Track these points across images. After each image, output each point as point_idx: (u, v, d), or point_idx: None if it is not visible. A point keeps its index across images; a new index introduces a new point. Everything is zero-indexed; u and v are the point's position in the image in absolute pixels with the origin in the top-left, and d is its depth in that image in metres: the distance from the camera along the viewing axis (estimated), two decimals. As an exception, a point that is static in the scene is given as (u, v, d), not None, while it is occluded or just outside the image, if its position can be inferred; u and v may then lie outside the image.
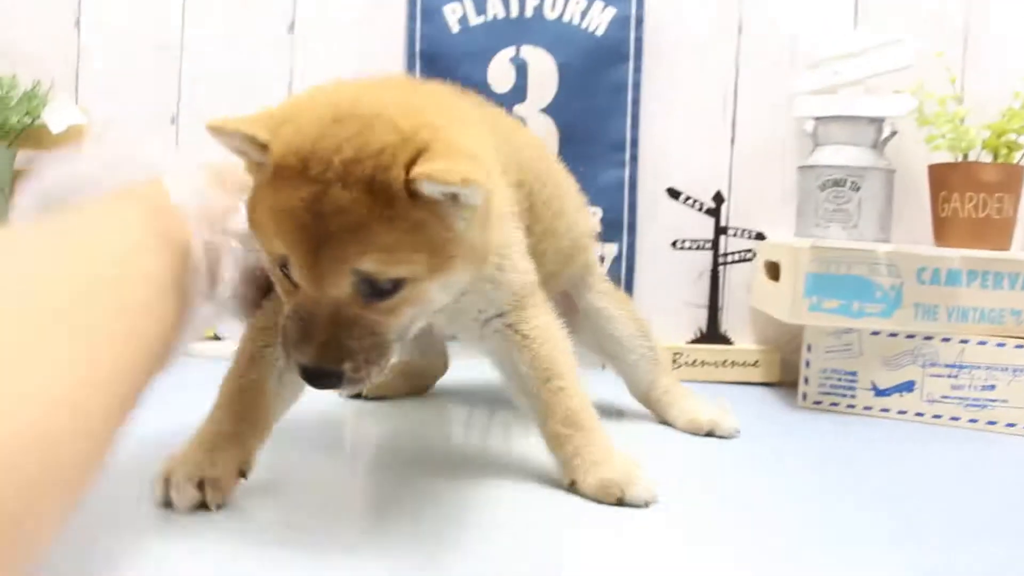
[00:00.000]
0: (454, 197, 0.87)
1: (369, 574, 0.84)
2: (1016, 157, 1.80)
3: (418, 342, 1.53)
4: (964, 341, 1.68)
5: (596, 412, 1.15)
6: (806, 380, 1.77)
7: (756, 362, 1.99)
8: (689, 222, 2.03)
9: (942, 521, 1.12)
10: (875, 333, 1.72)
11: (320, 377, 0.90)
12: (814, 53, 1.94)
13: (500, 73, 2.04)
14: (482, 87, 2.03)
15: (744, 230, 2.01)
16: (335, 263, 0.86)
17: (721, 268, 2.04)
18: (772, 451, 1.45)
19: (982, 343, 1.67)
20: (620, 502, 1.08)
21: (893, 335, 1.71)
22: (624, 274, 2.03)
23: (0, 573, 0.51)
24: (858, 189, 1.83)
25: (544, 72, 2.03)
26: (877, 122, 1.86)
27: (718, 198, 2.03)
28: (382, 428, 1.49)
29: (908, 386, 1.72)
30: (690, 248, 2.03)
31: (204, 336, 0.97)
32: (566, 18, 2.03)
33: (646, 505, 1.08)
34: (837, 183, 1.83)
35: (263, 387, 1.06)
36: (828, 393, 1.76)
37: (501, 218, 1.09)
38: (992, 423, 1.66)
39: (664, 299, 2.00)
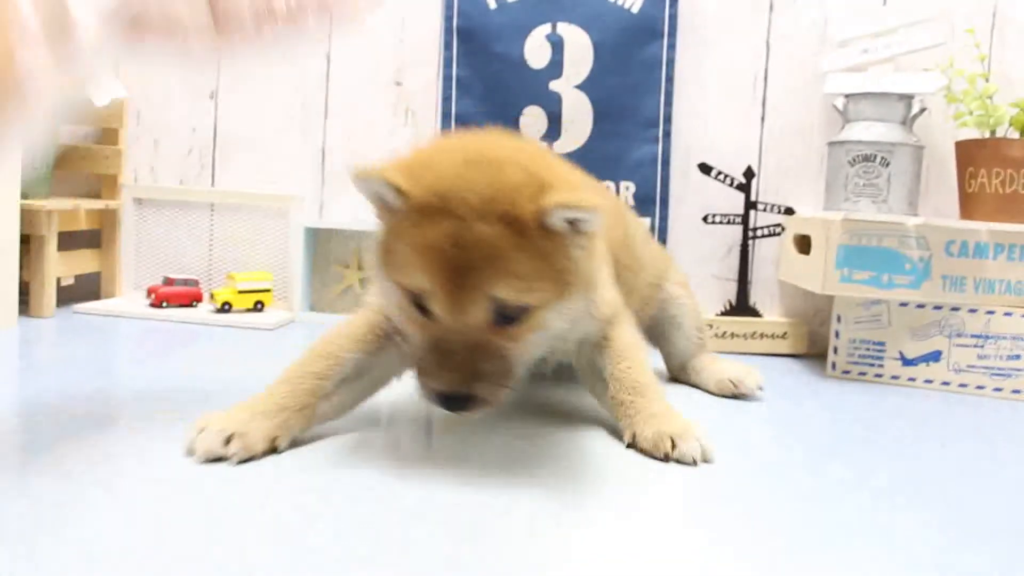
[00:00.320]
0: (574, 227, 1.00)
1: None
2: (1042, 134, 1.84)
3: None
4: (990, 312, 1.73)
5: (662, 386, 1.25)
6: (835, 350, 1.82)
7: (784, 334, 2.04)
8: (720, 197, 2.08)
9: (965, 482, 1.17)
10: (903, 304, 1.77)
11: (457, 400, 1.02)
12: (844, 31, 1.98)
13: (536, 49, 2.08)
14: (518, 63, 2.08)
15: (773, 205, 2.05)
16: (474, 291, 0.99)
17: (751, 242, 2.09)
18: (804, 417, 1.50)
19: (1008, 314, 1.72)
20: (668, 457, 1.14)
21: (921, 306, 1.76)
22: (655, 248, 2.08)
23: None
24: (887, 165, 1.87)
25: (580, 49, 2.07)
26: (907, 99, 1.90)
27: (748, 173, 2.07)
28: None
29: (935, 356, 1.76)
30: (721, 222, 2.07)
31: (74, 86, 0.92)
32: (601, -4, 2.08)
33: (695, 463, 1.14)
34: (867, 158, 1.88)
35: (322, 385, 1.15)
36: (856, 363, 1.81)
37: (600, 254, 1.21)
38: (1017, 391, 1.71)
39: (695, 272, 2.05)
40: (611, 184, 2.08)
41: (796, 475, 1.16)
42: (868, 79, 1.92)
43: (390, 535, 0.86)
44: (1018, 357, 1.71)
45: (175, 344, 1.79)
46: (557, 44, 2.07)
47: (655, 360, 1.50)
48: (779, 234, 2.06)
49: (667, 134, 2.07)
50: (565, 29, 2.07)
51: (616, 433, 1.24)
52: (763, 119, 2.10)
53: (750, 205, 2.07)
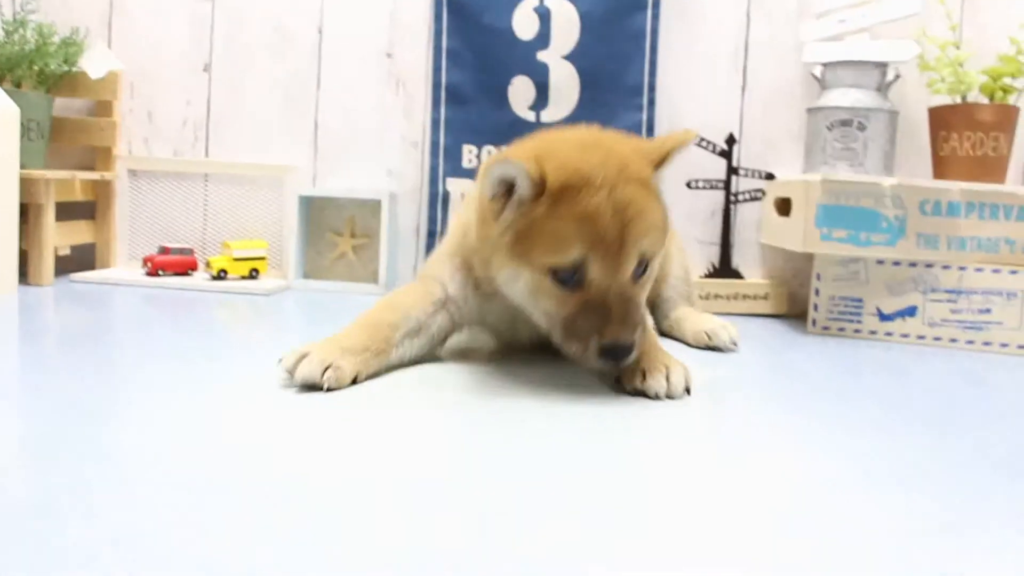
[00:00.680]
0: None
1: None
2: (1011, 99, 1.92)
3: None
4: (962, 268, 1.81)
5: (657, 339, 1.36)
6: (815, 307, 1.89)
7: (766, 295, 2.11)
8: (703, 163, 2.15)
9: (938, 416, 1.25)
10: (880, 262, 1.84)
11: (622, 351, 1.16)
12: (822, 2, 2.05)
13: (524, 21, 2.14)
14: (507, 34, 2.14)
15: (755, 170, 2.12)
16: (631, 247, 1.17)
17: (732, 207, 2.16)
18: (783, 367, 1.57)
19: (979, 270, 1.80)
20: (636, 390, 1.22)
21: (897, 263, 1.83)
22: (640, 214, 2.14)
23: None
24: (864, 129, 1.95)
25: (567, 20, 2.13)
26: (882, 67, 1.97)
27: (730, 140, 2.14)
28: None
29: (911, 311, 1.84)
30: (703, 188, 2.14)
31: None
32: (587, -32, 2.14)
33: (657, 397, 1.20)
34: (844, 123, 1.95)
35: (393, 334, 1.30)
36: (836, 319, 1.88)
37: None
38: (988, 344, 1.79)
39: (679, 236, 2.11)
40: (598, 152, 2.14)
41: (771, 411, 1.23)
42: (845, 48, 1.99)
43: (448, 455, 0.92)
44: (989, 311, 1.79)
45: (174, 310, 1.83)
46: (544, 15, 2.13)
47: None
48: (760, 198, 2.13)
49: (651, 102, 2.13)
50: (552, 1, 2.13)
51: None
52: (744, 88, 2.17)
53: (732, 171, 2.13)
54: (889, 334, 1.85)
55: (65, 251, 2.16)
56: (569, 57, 2.13)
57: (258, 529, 0.70)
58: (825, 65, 2.02)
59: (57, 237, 2.07)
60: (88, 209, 2.28)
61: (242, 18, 2.25)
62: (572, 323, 1.18)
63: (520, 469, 0.88)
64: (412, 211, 2.26)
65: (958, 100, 1.94)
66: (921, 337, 1.83)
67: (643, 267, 1.21)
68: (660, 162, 1.25)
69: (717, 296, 2.10)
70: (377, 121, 2.25)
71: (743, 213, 2.18)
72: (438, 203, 2.20)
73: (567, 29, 2.13)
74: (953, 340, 1.81)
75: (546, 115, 2.13)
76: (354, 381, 1.20)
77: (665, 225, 1.24)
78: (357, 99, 2.25)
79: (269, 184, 2.28)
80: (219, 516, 0.72)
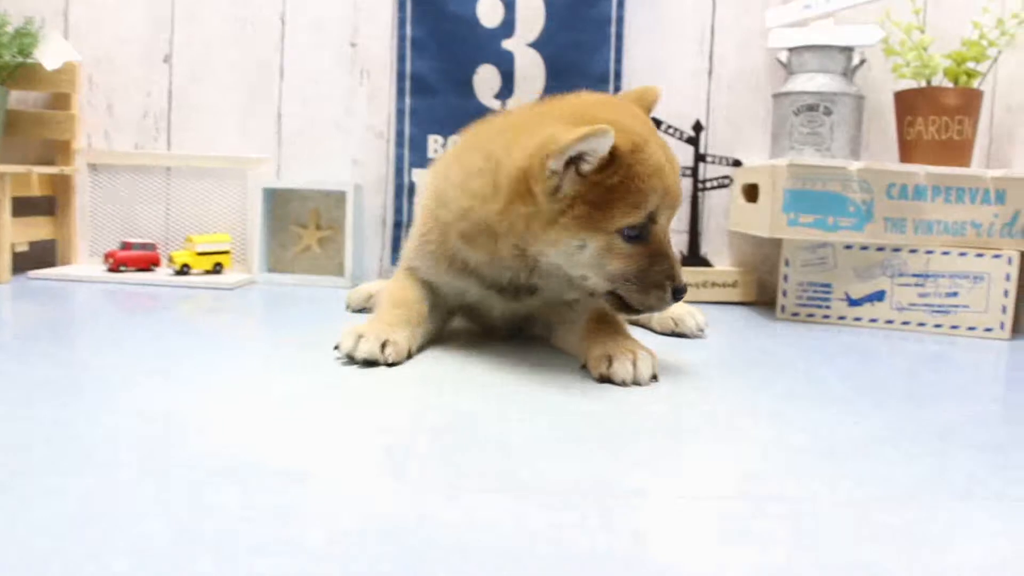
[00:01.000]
0: None
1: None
2: (975, 83, 1.92)
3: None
4: (929, 252, 1.81)
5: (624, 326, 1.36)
6: (784, 293, 1.89)
7: (735, 283, 2.11)
8: (670, 151, 2.13)
9: (901, 394, 1.25)
10: (848, 247, 1.84)
11: (685, 289, 1.25)
12: (787, -13, 2.05)
13: (489, 9, 2.12)
14: (471, 22, 2.11)
15: (722, 157, 2.12)
16: (680, 191, 1.28)
17: (700, 194, 2.15)
18: (751, 352, 1.56)
19: (946, 253, 1.80)
20: (603, 377, 1.20)
21: (865, 248, 1.83)
22: (608, 202, 2.12)
23: None
24: (830, 114, 1.94)
25: (532, 7, 2.11)
26: (847, 51, 1.97)
27: (697, 127, 2.13)
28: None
29: (879, 295, 1.84)
30: (671, 175, 2.13)
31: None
32: (551, -44, 2.12)
33: (624, 384, 1.19)
34: (811, 108, 1.95)
35: (422, 306, 1.38)
36: (805, 305, 1.88)
37: None
38: (955, 327, 1.79)
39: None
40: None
41: (738, 390, 1.22)
42: (810, 33, 1.99)
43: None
44: (956, 294, 1.79)
45: (133, 306, 1.80)
46: (510, 3, 2.11)
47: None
48: (728, 185, 2.12)
49: (618, 89, 2.12)
50: (517, -12, 2.11)
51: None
52: (710, 74, 2.16)
53: (699, 158, 2.13)
54: (858, 319, 1.85)
55: (23, 247, 2.11)
56: (535, 45, 2.11)
57: (233, 521, 0.67)
58: (791, 50, 2.01)
59: (14, 233, 2.03)
60: (47, 204, 2.24)
61: (203, 7, 2.21)
62: (646, 275, 1.22)
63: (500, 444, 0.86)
64: (378, 202, 2.23)
65: (923, 84, 1.94)
66: (889, 322, 1.83)
67: None
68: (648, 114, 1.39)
69: (686, 284, 2.08)
70: (342, 111, 2.22)
71: (711, 200, 2.17)
72: (404, 194, 2.18)
73: (532, 17, 2.11)
74: (921, 324, 1.81)
75: (511, 104, 2.11)
76: (408, 354, 1.28)
77: None
78: (321, 89, 2.22)
79: (232, 177, 2.25)
80: (187, 507, 0.69)
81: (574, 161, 1.15)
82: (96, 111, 2.25)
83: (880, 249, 1.82)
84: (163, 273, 2.13)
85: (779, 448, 0.93)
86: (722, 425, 1.03)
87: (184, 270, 2.11)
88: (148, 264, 2.16)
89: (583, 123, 1.15)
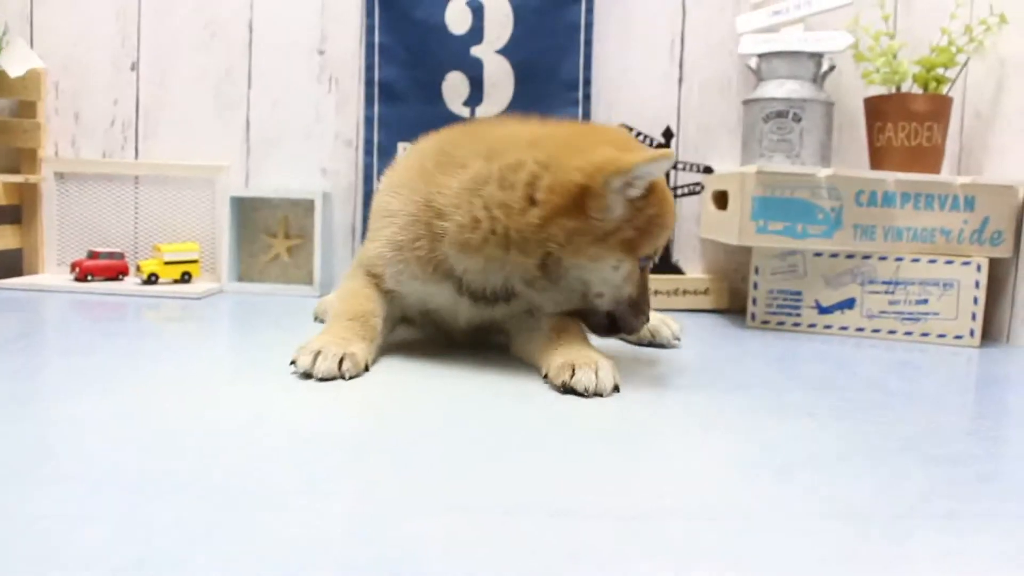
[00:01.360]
0: None
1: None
2: (944, 89, 1.91)
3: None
4: (899, 259, 1.80)
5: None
6: (754, 301, 1.87)
7: (706, 290, 2.10)
8: (641, 158, 2.12)
9: (862, 404, 1.23)
10: (818, 254, 1.83)
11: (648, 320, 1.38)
12: (757, -7, 2.04)
13: (457, 15, 2.10)
14: (440, 29, 2.10)
15: (693, 164, 2.10)
16: None
17: (672, 201, 2.14)
18: (722, 362, 1.55)
19: (915, 260, 1.79)
20: (565, 385, 1.18)
21: (834, 255, 1.82)
22: (579, 210, 2.11)
23: None
24: (800, 120, 1.93)
25: (500, 13, 2.10)
26: (816, 57, 1.96)
27: (668, 134, 2.12)
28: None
29: (849, 303, 1.83)
30: (642, 182, 2.11)
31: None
32: (520, -39, 2.10)
33: (587, 392, 1.17)
34: (780, 114, 1.94)
35: (377, 320, 1.36)
36: (775, 312, 1.87)
37: None
38: (925, 335, 1.79)
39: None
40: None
41: (699, 402, 1.20)
42: (779, 39, 1.98)
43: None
44: (926, 301, 1.78)
45: (98, 316, 1.78)
46: (478, 10, 2.10)
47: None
48: (699, 192, 2.11)
49: (587, 96, 2.11)
50: (485, -6, 2.10)
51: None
52: (681, 80, 2.15)
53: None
54: (828, 327, 1.84)
55: (-12, 257, 2.09)
56: (503, 51, 2.10)
57: (199, 526, 0.65)
58: (760, 57, 2.00)
59: (-22, 243, 2.00)
60: (13, 213, 2.21)
61: (170, 14, 2.19)
62: (640, 300, 1.34)
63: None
64: (347, 211, 2.22)
65: (893, 90, 1.93)
66: (860, 329, 1.82)
67: None
68: None
69: (657, 292, 2.07)
70: (310, 119, 2.20)
71: (683, 207, 2.16)
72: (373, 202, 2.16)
73: (501, 23, 2.10)
74: (891, 332, 1.80)
75: (481, 111, 2.10)
76: (366, 368, 1.27)
77: None
78: (289, 97, 2.20)
79: (201, 185, 2.22)
80: (150, 517, 0.67)
81: (627, 185, 1.22)
82: (63, 119, 2.22)
83: (850, 256, 1.82)
84: (131, 282, 2.10)
85: (730, 462, 0.91)
86: (676, 439, 1.01)
87: (152, 279, 2.09)
88: (116, 273, 2.14)
89: (625, 150, 1.25)
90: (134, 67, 2.21)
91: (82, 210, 2.24)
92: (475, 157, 1.30)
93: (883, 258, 1.80)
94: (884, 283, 1.81)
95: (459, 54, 2.10)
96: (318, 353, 1.22)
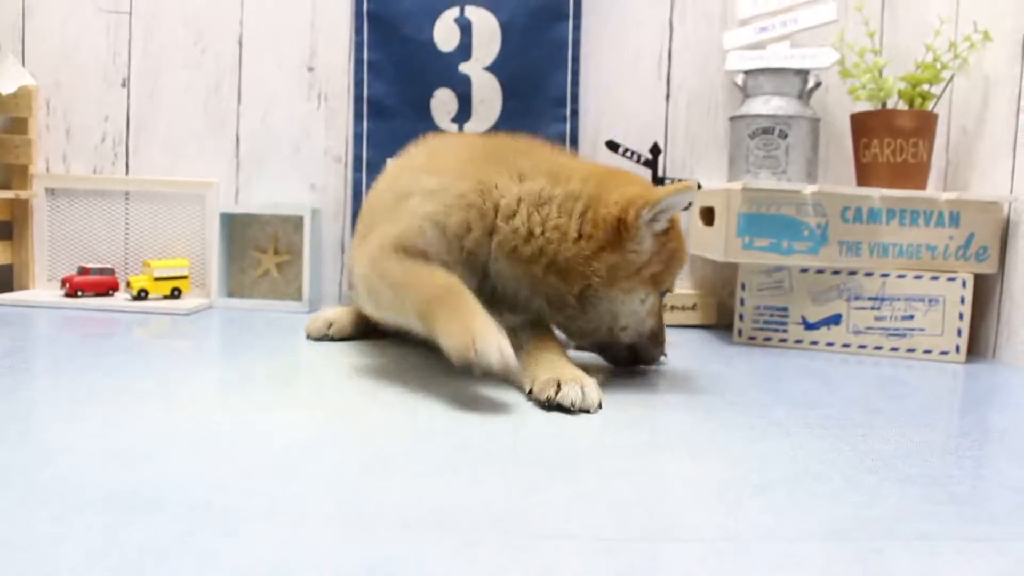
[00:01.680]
0: None
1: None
2: (930, 105, 1.92)
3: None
4: (885, 275, 1.81)
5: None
6: (741, 317, 1.88)
7: (694, 306, 2.10)
8: (629, 174, 2.13)
9: (843, 422, 1.24)
10: (804, 270, 1.83)
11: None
12: (744, 10, 2.05)
13: (446, 32, 2.11)
14: (428, 46, 2.11)
15: (681, 180, 2.11)
16: None
17: (660, 217, 2.14)
18: (707, 378, 1.55)
19: (901, 276, 1.80)
20: (550, 400, 1.19)
21: (820, 272, 1.83)
22: (568, 225, 2.12)
23: None
24: (786, 136, 1.94)
25: (487, 31, 2.11)
26: (803, 74, 1.97)
27: (655, 150, 2.13)
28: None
29: (836, 319, 1.83)
30: (630, 198, 2.12)
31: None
32: (508, -21, 2.11)
33: (573, 407, 1.18)
34: (766, 131, 1.95)
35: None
36: (762, 328, 1.87)
37: None
38: (911, 351, 1.79)
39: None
40: (524, 163, 2.12)
41: (678, 419, 1.21)
42: (765, 56, 1.99)
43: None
44: (912, 317, 1.79)
45: (88, 332, 1.78)
46: (466, 27, 2.11)
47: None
48: (687, 208, 2.12)
49: (575, 113, 2.12)
50: (473, 12, 2.11)
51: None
52: (668, 96, 2.16)
53: (657, 181, 2.12)
54: (815, 343, 1.84)
55: (-22, 273, 2.09)
56: (491, 68, 2.11)
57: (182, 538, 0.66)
58: (747, 73, 2.01)
59: (-32, 259, 2.01)
60: (4, 229, 2.22)
61: (160, 31, 2.20)
62: (659, 332, 1.41)
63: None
64: (336, 227, 2.22)
65: (878, 107, 1.94)
66: (846, 345, 1.82)
67: None
68: None
69: (646, 307, 2.08)
70: (299, 135, 2.21)
71: (671, 223, 2.16)
72: (362, 218, 2.17)
73: (488, 40, 2.11)
74: (878, 348, 1.81)
75: (469, 127, 2.11)
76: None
77: None
78: (279, 113, 2.21)
79: (190, 201, 2.23)
80: (137, 534, 0.68)
81: (654, 219, 1.28)
82: (54, 135, 2.23)
83: (836, 272, 1.82)
84: (121, 298, 2.11)
85: (706, 482, 0.92)
86: (654, 458, 1.02)
87: (142, 295, 2.09)
88: (106, 289, 2.14)
89: (648, 189, 1.31)
90: (124, 83, 2.22)
91: (73, 226, 2.25)
92: (539, 174, 1.34)
93: (869, 274, 1.81)
94: (870, 299, 1.81)
95: (447, 71, 2.11)
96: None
